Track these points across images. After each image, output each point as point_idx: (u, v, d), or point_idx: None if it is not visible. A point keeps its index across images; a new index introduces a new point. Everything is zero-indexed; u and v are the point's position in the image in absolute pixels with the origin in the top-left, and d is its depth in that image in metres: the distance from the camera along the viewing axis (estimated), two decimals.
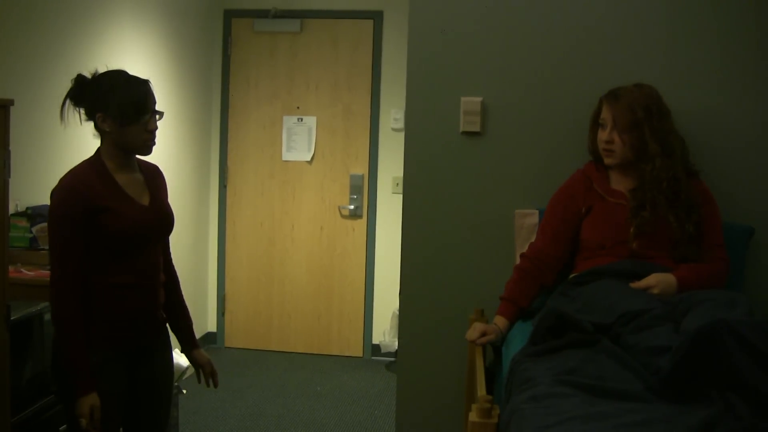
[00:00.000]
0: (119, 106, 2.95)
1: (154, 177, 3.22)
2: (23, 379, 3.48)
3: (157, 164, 3.30)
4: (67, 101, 3.02)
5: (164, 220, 3.21)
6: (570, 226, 3.45)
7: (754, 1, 3.67)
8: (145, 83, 3.04)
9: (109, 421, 2.99)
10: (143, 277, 3.11)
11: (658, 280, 3.14)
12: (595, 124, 3.49)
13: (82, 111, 3.03)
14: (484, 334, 3.37)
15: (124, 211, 3.00)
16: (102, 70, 3.07)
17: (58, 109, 3.01)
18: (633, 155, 3.35)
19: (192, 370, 3.65)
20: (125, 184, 3.05)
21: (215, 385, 3.41)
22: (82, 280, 2.94)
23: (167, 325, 3.34)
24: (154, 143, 3.07)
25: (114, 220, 2.95)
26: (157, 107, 3.08)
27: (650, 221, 3.27)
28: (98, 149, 3.06)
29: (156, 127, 3.05)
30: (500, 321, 3.42)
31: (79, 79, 3.02)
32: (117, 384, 3.05)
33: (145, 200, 3.11)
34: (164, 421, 3.32)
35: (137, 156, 3.15)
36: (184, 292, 3.47)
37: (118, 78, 3.02)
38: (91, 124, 3.04)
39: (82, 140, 4.50)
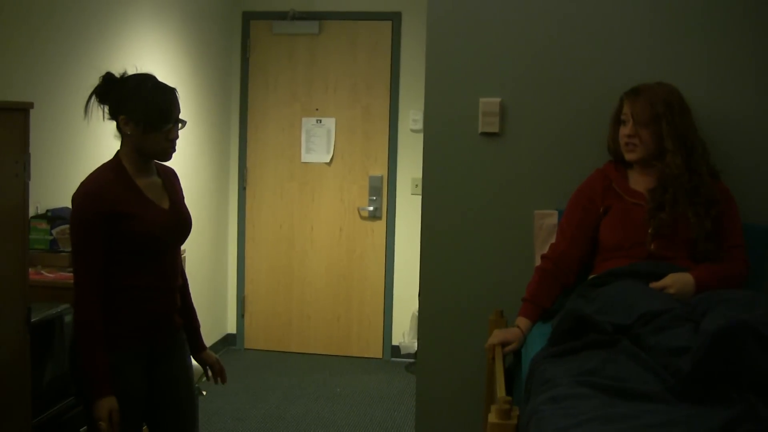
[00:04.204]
0: (144, 112, 2.96)
1: (170, 180, 3.24)
2: (44, 381, 3.49)
3: (178, 167, 3.31)
4: (93, 97, 3.03)
5: (183, 223, 3.22)
6: (589, 226, 3.44)
7: None
8: (172, 92, 3.05)
9: (127, 421, 3.00)
10: (162, 279, 3.12)
11: (674, 280, 3.13)
12: (616, 122, 3.48)
13: (107, 109, 3.04)
14: (505, 343, 3.36)
15: (146, 215, 3.01)
16: (131, 71, 3.08)
17: (78, 112, 3.02)
18: (655, 149, 3.34)
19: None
20: (145, 187, 3.07)
21: (223, 381, 3.44)
22: (103, 283, 2.95)
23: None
24: (174, 151, 3.08)
25: (136, 224, 2.97)
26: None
27: (668, 222, 3.25)
28: (117, 152, 3.07)
29: (177, 137, 3.07)
30: (522, 323, 3.40)
31: (107, 77, 3.03)
32: (135, 384, 3.06)
33: (165, 204, 3.13)
34: (191, 421, 3.33)
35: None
36: (203, 294, 3.50)
37: (146, 83, 3.02)
38: (113, 124, 3.05)
39: (102, 143, 4.52)
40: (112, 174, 3.01)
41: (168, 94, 3.03)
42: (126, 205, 2.96)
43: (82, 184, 3.00)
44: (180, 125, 3.07)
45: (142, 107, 2.96)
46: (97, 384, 2.93)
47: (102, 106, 3.04)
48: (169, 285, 3.17)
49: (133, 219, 2.96)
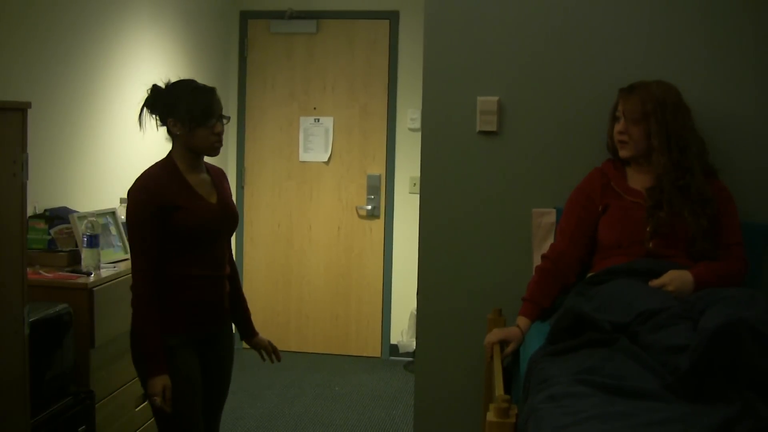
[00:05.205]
0: (188, 111, 3.24)
1: (219, 178, 3.54)
2: (42, 380, 3.50)
3: None
4: (144, 109, 3.32)
5: (230, 217, 3.48)
6: (588, 225, 3.44)
7: None
8: (212, 91, 3.33)
9: (187, 400, 3.24)
10: (212, 268, 3.38)
11: (672, 278, 3.12)
12: (614, 118, 3.48)
13: (157, 117, 3.33)
14: (504, 341, 3.36)
15: (195, 208, 3.28)
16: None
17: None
18: (644, 147, 3.34)
19: None
20: (195, 183, 3.34)
21: (279, 359, 3.72)
22: (157, 271, 3.21)
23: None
24: (220, 145, 3.37)
25: (186, 216, 3.24)
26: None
27: (666, 221, 3.25)
28: (170, 152, 3.35)
29: (222, 130, 3.35)
30: (522, 322, 3.40)
31: (154, 89, 3.33)
32: (191, 365, 3.31)
33: (213, 199, 3.40)
34: (224, 401, 3.59)
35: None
36: None
37: (187, 86, 3.32)
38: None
39: (100, 143, 4.52)
40: (164, 171, 3.30)
41: (208, 93, 3.31)
42: (176, 199, 3.24)
43: (137, 179, 3.27)
44: (225, 120, 3.35)
45: (187, 107, 3.24)
46: (151, 362, 3.18)
47: (153, 116, 3.33)
48: (218, 274, 3.42)
49: (183, 211, 3.23)
